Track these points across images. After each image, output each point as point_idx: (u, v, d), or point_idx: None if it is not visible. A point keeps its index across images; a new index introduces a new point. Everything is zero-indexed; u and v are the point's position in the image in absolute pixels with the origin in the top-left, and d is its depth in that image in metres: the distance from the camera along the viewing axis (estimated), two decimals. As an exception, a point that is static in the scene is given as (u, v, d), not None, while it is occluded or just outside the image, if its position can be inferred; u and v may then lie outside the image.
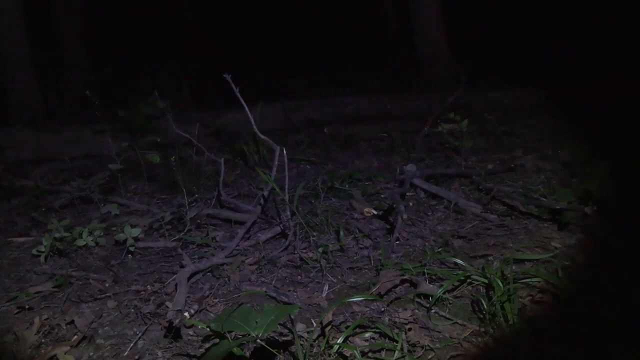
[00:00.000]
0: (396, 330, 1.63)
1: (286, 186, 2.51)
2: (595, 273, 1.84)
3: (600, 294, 1.74)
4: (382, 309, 1.77)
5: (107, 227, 2.64)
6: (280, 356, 1.51)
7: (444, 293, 1.78)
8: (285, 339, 1.64)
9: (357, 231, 2.47)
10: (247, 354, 1.48)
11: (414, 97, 5.75)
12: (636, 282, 1.76)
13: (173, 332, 1.70)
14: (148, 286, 2.08)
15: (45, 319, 1.86)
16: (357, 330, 1.65)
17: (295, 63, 8.65)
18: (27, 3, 5.84)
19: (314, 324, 1.71)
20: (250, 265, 2.22)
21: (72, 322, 1.84)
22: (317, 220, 2.58)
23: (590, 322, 1.54)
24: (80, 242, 2.45)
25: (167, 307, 1.87)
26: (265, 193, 2.74)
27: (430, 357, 1.52)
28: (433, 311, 1.74)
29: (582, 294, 1.60)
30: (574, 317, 1.58)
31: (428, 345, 1.55)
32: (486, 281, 1.80)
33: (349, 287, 1.98)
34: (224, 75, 2.46)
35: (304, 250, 2.31)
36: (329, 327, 1.67)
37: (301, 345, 1.51)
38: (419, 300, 1.82)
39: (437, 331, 1.64)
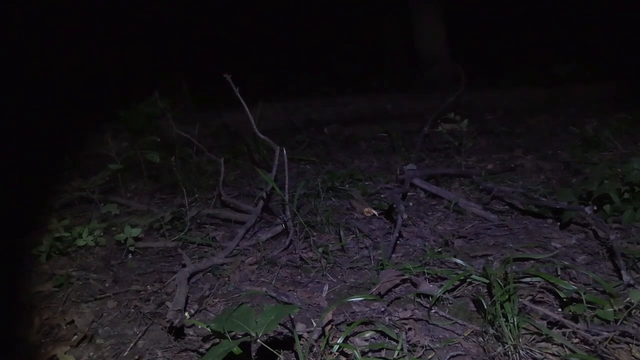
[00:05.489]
0: (396, 330, 1.63)
1: (286, 186, 2.51)
2: (594, 273, 1.84)
3: (598, 294, 1.74)
4: (382, 309, 1.77)
5: (107, 227, 2.64)
6: (281, 356, 1.51)
7: (444, 293, 1.78)
8: (285, 338, 1.64)
9: (357, 231, 2.46)
10: (248, 354, 1.48)
11: (414, 97, 5.75)
12: (635, 282, 1.76)
13: (173, 332, 1.70)
14: (148, 286, 2.08)
15: (45, 319, 1.86)
16: (357, 330, 1.65)
17: (295, 63, 8.65)
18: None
19: (314, 324, 1.71)
20: (250, 265, 2.22)
21: (72, 322, 1.84)
22: (317, 220, 2.58)
23: (589, 322, 1.54)
24: (80, 242, 2.45)
25: (167, 307, 1.87)
26: (266, 193, 2.74)
27: (430, 357, 1.52)
28: (433, 311, 1.74)
29: (581, 293, 1.60)
30: (574, 316, 1.58)
31: (428, 345, 1.55)
32: (486, 281, 1.80)
33: (349, 287, 1.98)
34: (224, 75, 2.46)
35: (304, 250, 2.31)
36: (329, 327, 1.67)
37: (301, 345, 1.51)
38: (419, 300, 1.82)
39: (437, 331, 1.64)
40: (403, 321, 1.70)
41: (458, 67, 5.26)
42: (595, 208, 2.20)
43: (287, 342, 1.60)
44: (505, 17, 7.97)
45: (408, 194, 2.92)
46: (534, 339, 1.52)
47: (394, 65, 8.50)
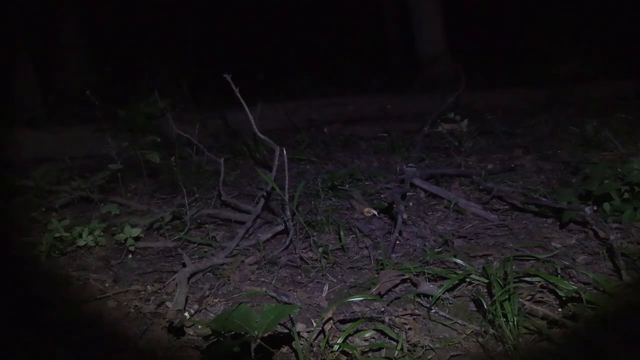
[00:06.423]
0: (396, 330, 1.63)
1: (286, 186, 2.51)
2: (594, 273, 1.84)
3: (600, 293, 1.74)
4: (382, 309, 1.77)
5: (107, 227, 2.64)
6: (280, 355, 1.51)
7: (443, 293, 1.78)
8: (285, 337, 1.64)
9: (357, 231, 2.46)
10: (247, 354, 1.48)
11: (414, 97, 5.76)
12: (636, 281, 1.76)
13: (173, 331, 1.70)
14: (148, 286, 2.08)
15: (45, 319, 1.86)
16: (357, 329, 1.65)
17: (295, 63, 8.65)
18: (27, 2, 5.84)
19: (314, 324, 1.71)
20: (250, 265, 2.22)
21: (72, 322, 1.84)
22: (317, 220, 2.58)
23: (590, 322, 1.54)
24: (80, 242, 2.45)
25: (167, 307, 1.87)
26: (266, 193, 2.74)
27: (430, 357, 1.52)
28: (433, 311, 1.74)
29: (581, 293, 1.60)
30: (574, 316, 1.58)
31: (428, 345, 1.55)
32: (486, 281, 1.80)
33: (349, 287, 1.98)
34: (224, 75, 2.46)
35: (304, 250, 2.31)
36: (329, 326, 1.67)
37: (301, 344, 1.51)
38: (419, 300, 1.82)
39: (437, 331, 1.64)
40: (403, 321, 1.70)
41: (458, 67, 5.26)
42: (595, 208, 2.19)
43: (286, 342, 1.60)
44: (506, 16, 7.97)
45: (408, 193, 2.92)
46: (534, 339, 1.52)
47: (394, 65, 8.51)
